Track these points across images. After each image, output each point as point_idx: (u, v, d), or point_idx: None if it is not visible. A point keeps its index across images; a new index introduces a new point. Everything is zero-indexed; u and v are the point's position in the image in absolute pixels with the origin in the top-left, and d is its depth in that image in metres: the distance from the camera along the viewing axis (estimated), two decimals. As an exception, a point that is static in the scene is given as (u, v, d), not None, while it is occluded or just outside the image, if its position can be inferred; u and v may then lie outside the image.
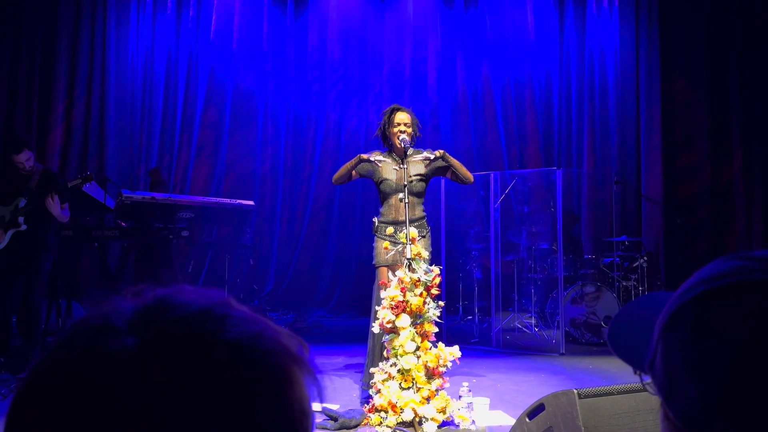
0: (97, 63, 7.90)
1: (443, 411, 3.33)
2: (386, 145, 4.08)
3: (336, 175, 4.07)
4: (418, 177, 3.97)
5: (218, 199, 6.89)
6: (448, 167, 4.00)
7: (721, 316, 0.50)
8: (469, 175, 4.00)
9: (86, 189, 5.55)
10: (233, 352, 0.43)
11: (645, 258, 6.34)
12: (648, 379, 0.57)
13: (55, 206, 4.59)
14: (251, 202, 6.74)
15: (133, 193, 5.93)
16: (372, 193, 4.13)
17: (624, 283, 6.26)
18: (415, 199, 3.94)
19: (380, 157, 3.99)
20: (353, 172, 4.03)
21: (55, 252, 4.99)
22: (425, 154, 3.99)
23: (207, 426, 0.41)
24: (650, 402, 2.70)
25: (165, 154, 8.23)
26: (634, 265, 6.34)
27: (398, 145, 3.93)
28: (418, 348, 3.39)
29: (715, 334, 0.49)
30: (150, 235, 5.93)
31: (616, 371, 4.76)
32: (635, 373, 0.61)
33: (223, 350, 0.43)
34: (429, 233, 4.01)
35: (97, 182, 5.84)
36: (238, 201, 6.58)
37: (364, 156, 3.99)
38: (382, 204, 4.03)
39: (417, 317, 3.44)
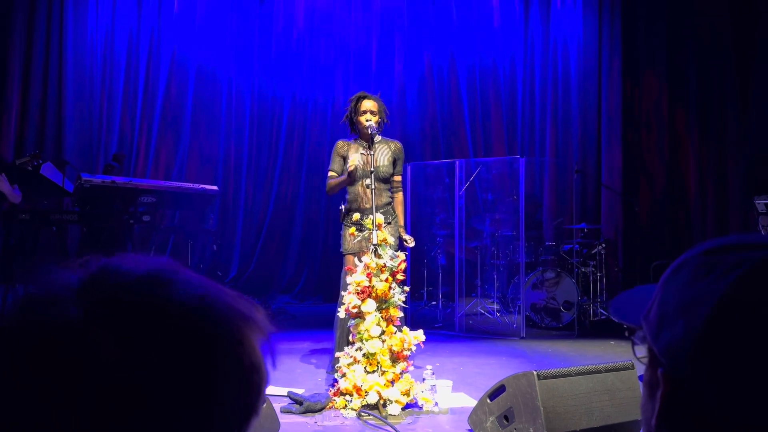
0: (54, 42, 7.64)
1: (407, 393, 3.39)
2: (354, 131, 4.10)
3: (330, 188, 4.08)
4: (385, 164, 4.00)
5: (181, 183, 6.78)
6: (398, 168, 4.09)
7: (719, 263, 0.53)
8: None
9: (44, 172, 5.40)
10: (179, 316, 0.44)
11: (603, 245, 6.52)
12: (638, 342, 0.60)
13: (4, 183, 4.60)
14: (215, 187, 6.66)
15: (92, 177, 5.78)
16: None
17: (583, 269, 6.43)
18: (381, 185, 3.97)
19: (353, 153, 4.00)
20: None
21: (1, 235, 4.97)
22: (402, 239, 4.01)
23: (158, 389, 0.42)
24: (606, 383, 2.81)
25: (126, 137, 8.04)
26: (593, 251, 6.50)
27: (365, 132, 3.94)
28: (383, 332, 3.43)
29: (709, 277, 0.53)
30: (110, 219, 5.80)
31: (574, 354, 4.91)
32: (627, 334, 0.65)
33: (168, 314, 0.44)
34: (395, 219, 4.04)
35: (56, 165, 5.67)
36: (202, 185, 6.48)
37: (351, 168, 3.91)
38: (348, 191, 4.04)
39: (382, 302, 3.48)
